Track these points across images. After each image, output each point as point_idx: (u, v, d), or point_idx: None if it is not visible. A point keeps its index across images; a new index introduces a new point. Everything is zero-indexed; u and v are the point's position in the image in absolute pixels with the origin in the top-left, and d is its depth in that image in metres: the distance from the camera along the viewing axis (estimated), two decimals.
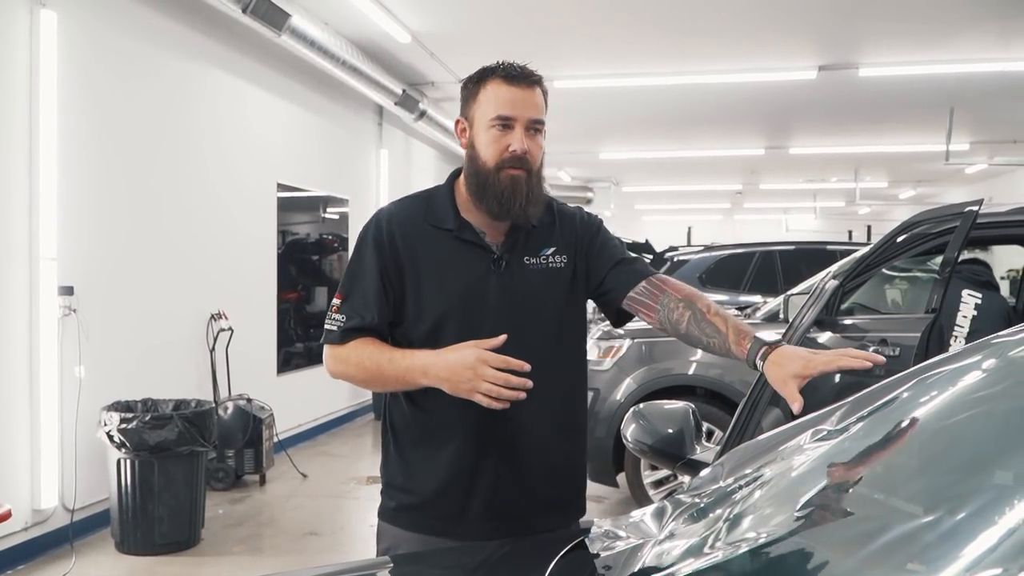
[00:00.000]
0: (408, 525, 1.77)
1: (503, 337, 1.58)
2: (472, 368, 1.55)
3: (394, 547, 1.78)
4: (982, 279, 3.80)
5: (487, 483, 1.72)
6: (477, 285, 1.71)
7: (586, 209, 1.90)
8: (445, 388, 1.60)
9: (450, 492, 1.73)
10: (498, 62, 1.74)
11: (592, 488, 5.55)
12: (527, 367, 1.55)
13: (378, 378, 1.70)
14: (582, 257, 1.79)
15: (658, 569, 1.06)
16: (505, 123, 1.69)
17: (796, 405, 1.44)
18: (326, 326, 1.74)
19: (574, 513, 1.82)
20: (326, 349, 1.75)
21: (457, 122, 1.79)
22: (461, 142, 1.78)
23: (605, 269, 1.78)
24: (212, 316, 5.73)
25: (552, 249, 1.77)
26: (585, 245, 1.80)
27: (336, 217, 8.20)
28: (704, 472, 1.43)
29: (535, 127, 1.71)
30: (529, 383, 1.54)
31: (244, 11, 5.19)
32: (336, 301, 1.75)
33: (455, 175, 1.83)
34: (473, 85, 1.75)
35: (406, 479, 1.78)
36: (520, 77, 1.71)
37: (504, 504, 1.73)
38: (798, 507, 1.05)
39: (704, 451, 1.92)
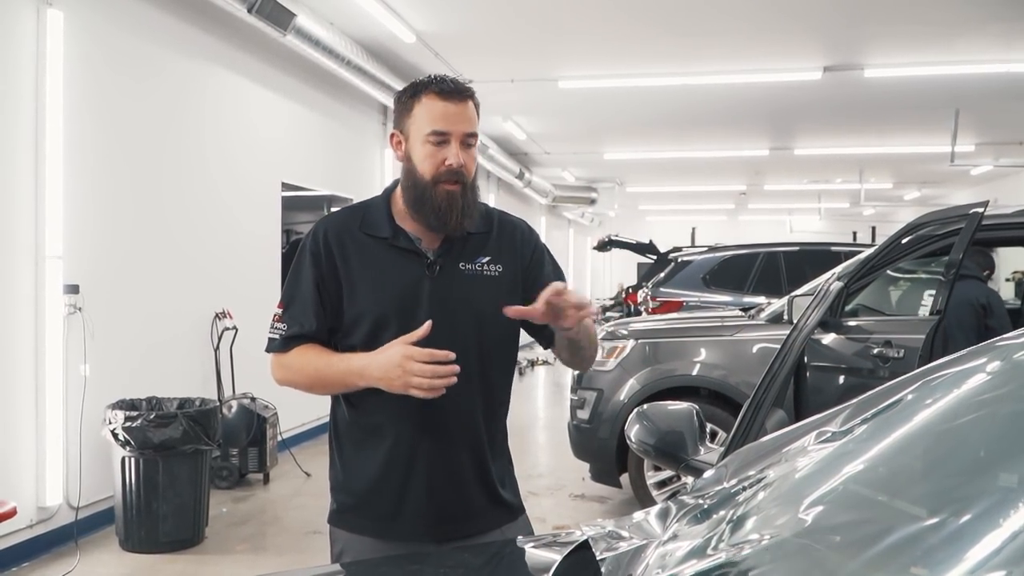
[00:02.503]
0: (349, 527, 1.81)
1: (428, 324, 1.63)
2: (400, 365, 1.61)
3: (345, 551, 1.81)
4: None
5: (420, 484, 1.75)
6: (411, 289, 1.75)
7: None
8: (382, 387, 1.65)
9: (384, 492, 1.76)
10: (431, 76, 1.77)
11: (596, 488, 5.33)
12: (452, 355, 1.61)
13: (319, 382, 1.76)
14: (519, 270, 1.83)
15: (662, 570, 1.06)
16: (441, 138, 1.72)
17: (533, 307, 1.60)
18: (269, 335, 1.80)
19: (508, 516, 1.83)
20: (271, 357, 1.81)
21: (392, 135, 1.81)
22: (397, 155, 1.81)
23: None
24: (216, 315, 5.74)
25: (487, 258, 1.80)
26: (525, 263, 1.84)
27: None
28: (708, 473, 1.43)
29: (469, 141, 1.74)
30: (457, 368, 1.60)
31: (249, 11, 5.20)
32: (278, 311, 1.80)
33: (392, 187, 1.87)
34: (407, 99, 1.77)
35: (346, 480, 1.82)
36: (454, 92, 1.73)
37: (437, 505, 1.75)
38: (802, 509, 1.05)
39: (708, 452, 1.92)
